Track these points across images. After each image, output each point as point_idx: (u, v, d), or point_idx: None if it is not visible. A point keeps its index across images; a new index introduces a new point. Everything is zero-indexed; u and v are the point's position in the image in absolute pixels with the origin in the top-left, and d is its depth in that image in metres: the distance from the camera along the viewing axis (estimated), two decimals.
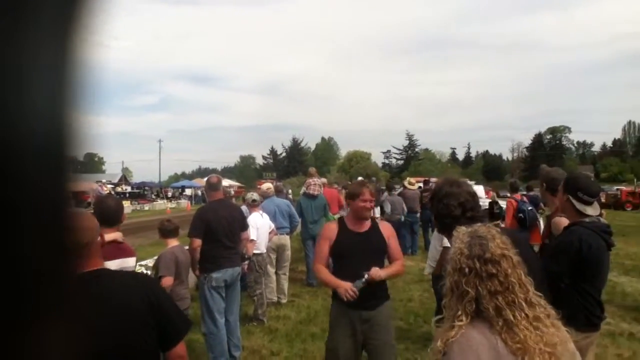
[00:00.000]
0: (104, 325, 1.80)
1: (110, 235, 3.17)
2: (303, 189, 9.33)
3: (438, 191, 2.49)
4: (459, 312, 1.68)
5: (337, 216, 10.17)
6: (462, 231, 1.83)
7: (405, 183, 13.20)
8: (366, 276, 3.35)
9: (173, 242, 4.54)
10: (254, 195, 6.88)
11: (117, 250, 3.16)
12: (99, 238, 2.04)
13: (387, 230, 3.72)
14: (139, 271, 5.06)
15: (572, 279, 2.87)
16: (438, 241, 5.24)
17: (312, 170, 9.64)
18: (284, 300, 7.44)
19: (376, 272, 3.39)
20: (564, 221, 3.23)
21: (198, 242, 4.79)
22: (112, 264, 3.07)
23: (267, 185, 8.30)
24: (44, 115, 0.44)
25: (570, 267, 2.85)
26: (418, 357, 5.33)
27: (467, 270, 1.68)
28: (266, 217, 6.80)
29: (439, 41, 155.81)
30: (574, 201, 2.98)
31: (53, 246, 0.48)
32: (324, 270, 3.66)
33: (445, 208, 2.41)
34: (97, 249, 2.03)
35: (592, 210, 2.97)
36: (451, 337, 1.66)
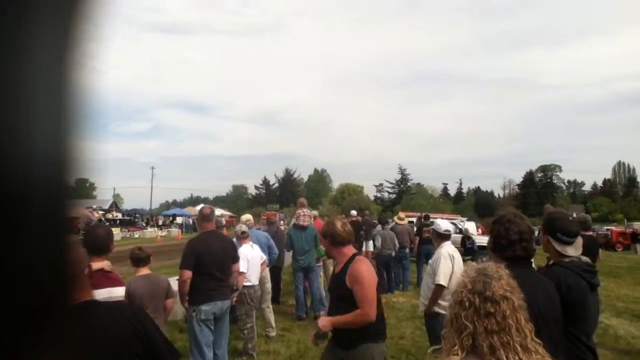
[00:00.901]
0: (92, 358, 1.76)
1: (98, 264, 3.12)
2: (293, 220, 9.27)
3: (502, 217, 2.62)
4: (456, 346, 1.69)
5: None
6: (471, 266, 1.86)
7: (395, 218, 13.29)
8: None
9: (144, 271, 4.40)
10: (242, 227, 6.78)
11: (105, 279, 3.10)
12: (86, 270, 2.01)
13: (352, 274, 3.41)
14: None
15: None
16: (430, 278, 5.21)
17: (302, 200, 9.57)
18: (272, 334, 7.29)
19: (320, 321, 3.50)
20: None
21: (188, 274, 4.73)
22: (100, 293, 3.01)
23: (246, 217, 8.19)
24: (43, 141, 0.44)
25: None
26: None
27: (467, 304, 1.70)
28: (257, 248, 6.73)
29: (432, 75, 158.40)
30: (553, 242, 2.96)
31: (52, 271, 0.47)
32: None
33: (505, 231, 2.54)
34: (84, 281, 2.00)
35: (573, 251, 2.94)
36: None
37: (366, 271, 3.42)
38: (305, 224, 8.58)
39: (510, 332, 1.64)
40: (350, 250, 3.61)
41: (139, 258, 4.40)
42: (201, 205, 5.71)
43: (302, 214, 8.72)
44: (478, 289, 1.71)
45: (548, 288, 2.51)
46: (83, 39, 0.46)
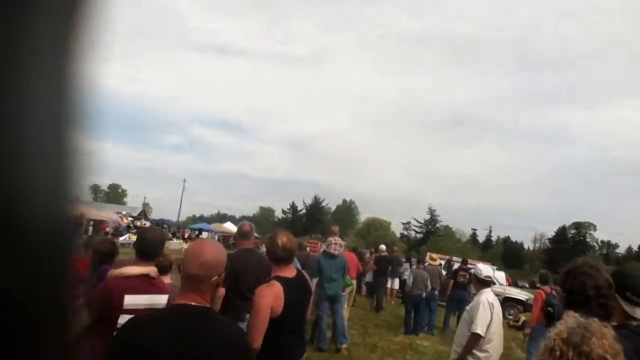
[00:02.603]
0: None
1: (142, 269, 3.09)
2: (323, 247, 9.15)
3: (577, 268, 2.42)
4: None
5: (354, 281, 9.98)
6: (572, 316, 1.72)
7: (427, 258, 13.09)
8: None
9: (166, 280, 4.30)
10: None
11: (149, 285, 3.06)
12: (215, 279, 2.01)
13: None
14: None
15: None
16: (467, 325, 5.02)
17: (335, 228, 9.44)
18: None
19: None
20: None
21: (222, 291, 4.65)
22: (141, 299, 2.98)
23: None
24: (44, 142, 0.43)
25: None
26: None
27: (558, 353, 1.56)
28: None
29: (468, 121, 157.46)
30: (621, 301, 2.75)
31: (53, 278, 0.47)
32: None
33: (579, 285, 2.35)
34: (207, 287, 1.99)
35: None
36: None
37: (261, 298, 3.16)
38: (336, 252, 8.47)
39: None
40: (280, 270, 3.39)
41: (161, 266, 4.27)
42: (242, 223, 5.59)
43: (333, 242, 8.59)
44: (574, 341, 1.56)
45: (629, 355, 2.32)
46: (93, 34, 0.46)
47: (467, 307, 5.31)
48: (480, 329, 4.81)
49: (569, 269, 2.45)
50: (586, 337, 1.57)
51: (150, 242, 3.18)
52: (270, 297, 3.16)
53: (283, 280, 3.28)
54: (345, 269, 8.68)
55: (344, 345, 8.49)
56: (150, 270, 3.09)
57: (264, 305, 3.11)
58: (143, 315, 2.07)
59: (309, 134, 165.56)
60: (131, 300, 2.94)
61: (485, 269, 5.37)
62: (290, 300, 3.21)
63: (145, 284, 3.03)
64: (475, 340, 4.84)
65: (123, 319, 2.93)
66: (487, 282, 5.20)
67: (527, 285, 51.97)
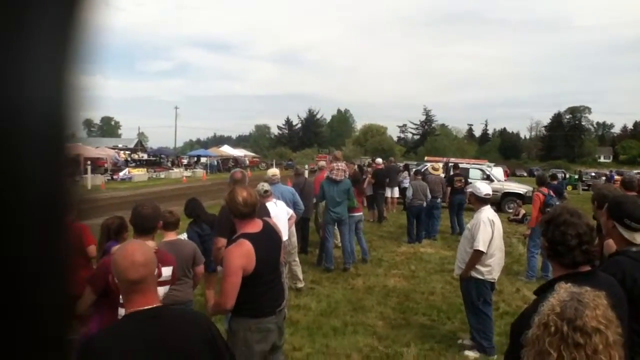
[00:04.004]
0: None
1: None
2: (327, 173, 9.18)
3: (556, 217, 2.30)
4: None
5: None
6: (564, 287, 1.65)
7: (429, 168, 13.15)
8: None
9: (171, 236, 4.22)
10: (265, 186, 6.40)
11: None
12: (156, 272, 1.95)
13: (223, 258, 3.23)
14: None
15: None
16: (468, 242, 5.12)
17: (338, 154, 9.43)
18: (300, 285, 7.34)
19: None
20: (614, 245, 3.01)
21: (222, 242, 4.64)
22: None
23: (272, 171, 7.94)
24: (49, 77, 0.42)
25: None
26: (443, 359, 5.15)
27: (552, 329, 1.52)
28: (281, 204, 6.58)
29: (462, 16, 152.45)
30: (620, 228, 2.73)
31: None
32: None
33: (561, 235, 2.24)
34: (152, 285, 1.92)
35: None
36: None
37: (232, 259, 3.09)
38: (339, 178, 8.51)
39: None
40: (245, 226, 3.27)
41: (168, 222, 4.17)
42: (233, 170, 5.50)
43: (336, 167, 8.68)
44: (568, 316, 1.52)
45: (615, 297, 2.32)
46: None
47: (468, 226, 5.39)
48: (482, 246, 4.91)
49: (549, 218, 2.37)
50: (579, 310, 1.52)
51: (146, 217, 3.14)
52: (241, 257, 3.08)
53: (250, 237, 3.18)
54: (350, 192, 8.72)
55: (350, 265, 8.74)
56: (149, 245, 3.06)
57: (236, 267, 3.05)
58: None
59: (299, 46, 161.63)
60: None
61: (483, 188, 5.37)
62: (261, 256, 3.15)
63: None
64: (477, 256, 4.97)
65: None
66: (486, 200, 5.23)
67: (525, 174, 52.96)
